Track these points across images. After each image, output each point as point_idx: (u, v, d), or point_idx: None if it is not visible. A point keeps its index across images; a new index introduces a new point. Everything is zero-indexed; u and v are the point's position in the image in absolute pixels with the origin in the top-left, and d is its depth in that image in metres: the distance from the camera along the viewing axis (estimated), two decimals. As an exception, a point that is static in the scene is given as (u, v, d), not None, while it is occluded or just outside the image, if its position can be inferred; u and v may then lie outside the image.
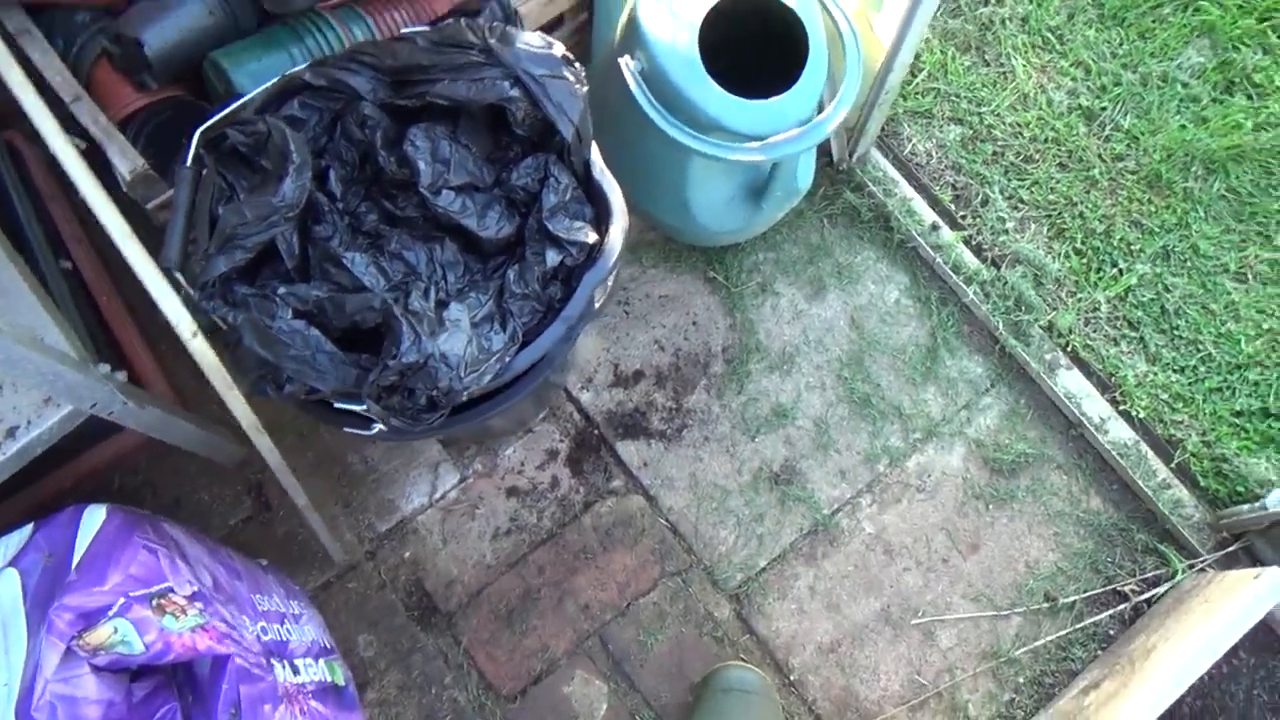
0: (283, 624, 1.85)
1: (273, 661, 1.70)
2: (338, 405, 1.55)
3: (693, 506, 2.18)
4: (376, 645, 2.12)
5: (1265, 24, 2.44)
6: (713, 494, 2.19)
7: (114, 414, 1.67)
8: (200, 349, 1.15)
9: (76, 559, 1.48)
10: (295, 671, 1.78)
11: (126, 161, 1.78)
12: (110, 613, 1.40)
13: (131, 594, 1.43)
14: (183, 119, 1.99)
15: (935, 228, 2.31)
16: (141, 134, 1.96)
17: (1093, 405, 2.19)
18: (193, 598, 1.52)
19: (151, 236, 1.96)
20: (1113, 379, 2.21)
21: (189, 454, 2.06)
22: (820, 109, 1.96)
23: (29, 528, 1.60)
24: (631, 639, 2.10)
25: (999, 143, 2.37)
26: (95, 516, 1.56)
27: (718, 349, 2.30)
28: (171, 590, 1.48)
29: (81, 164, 1.27)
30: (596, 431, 2.24)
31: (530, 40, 1.59)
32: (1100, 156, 2.36)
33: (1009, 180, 2.35)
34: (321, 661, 1.92)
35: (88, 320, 2.03)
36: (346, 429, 1.64)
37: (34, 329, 1.63)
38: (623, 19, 1.96)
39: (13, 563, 1.55)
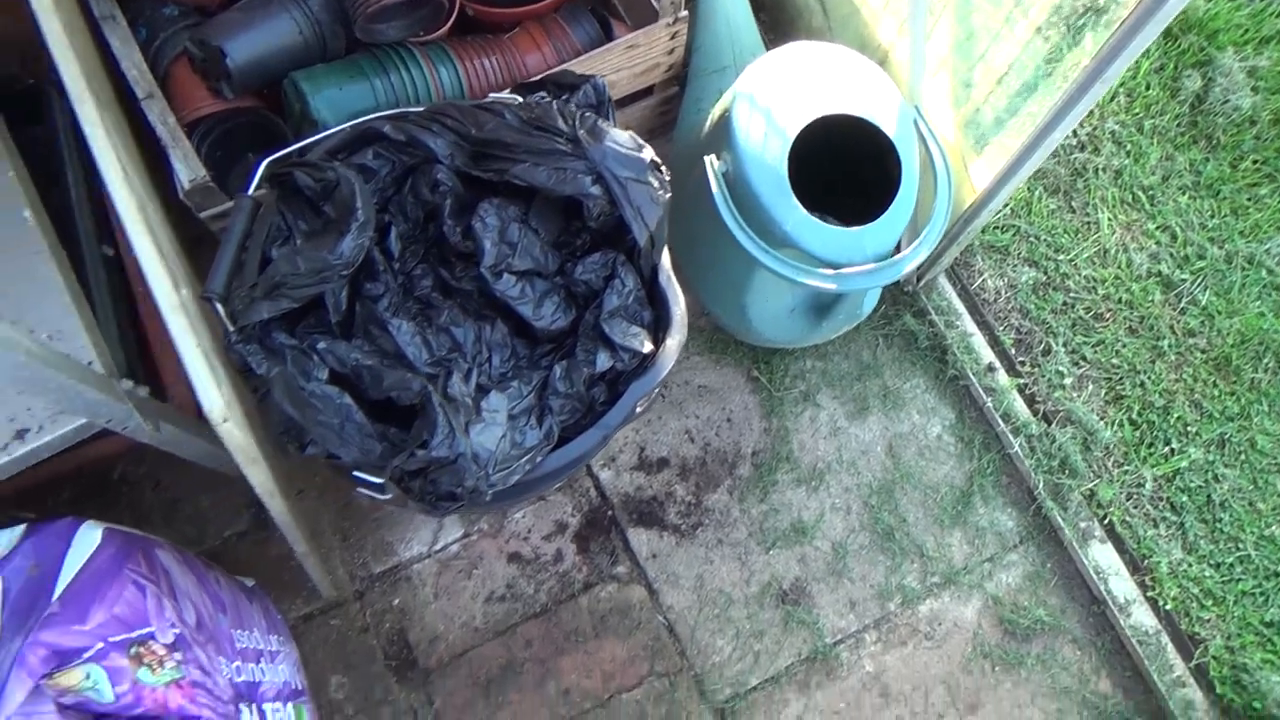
0: (258, 663, 1.80)
1: (241, 707, 1.65)
2: (356, 475, 1.49)
3: (694, 609, 2.12)
4: (348, 689, 2.06)
5: (1365, 222, 2.37)
6: (716, 600, 2.13)
7: (128, 429, 1.62)
8: (228, 433, 1.10)
9: (62, 584, 1.43)
10: (262, 718, 1.73)
11: (188, 170, 1.73)
12: (86, 655, 1.35)
13: (111, 639, 1.37)
14: (252, 131, 1.96)
15: (991, 369, 2.24)
16: (208, 139, 1.93)
17: (1120, 585, 2.11)
18: (173, 646, 1.46)
19: (199, 248, 1.93)
20: (1145, 561, 2.13)
21: (197, 456, 2.02)
22: (901, 241, 1.90)
23: (20, 530, 1.54)
24: (606, 735, 2.04)
25: (1071, 294, 2.30)
26: (90, 538, 1.50)
27: (748, 451, 2.23)
28: (153, 637, 1.43)
29: (132, 204, 1.21)
30: (610, 512, 2.18)
31: (619, 139, 1.53)
32: (1172, 328, 2.29)
33: (1074, 335, 2.27)
34: (289, 706, 1.86)
35: (119, 313, 1.99)
36: (360, 490, 1.59)
37: (62, 332, 1.59)
38: (715, 113, 1.91)
39: (-3, 565, 1.50)
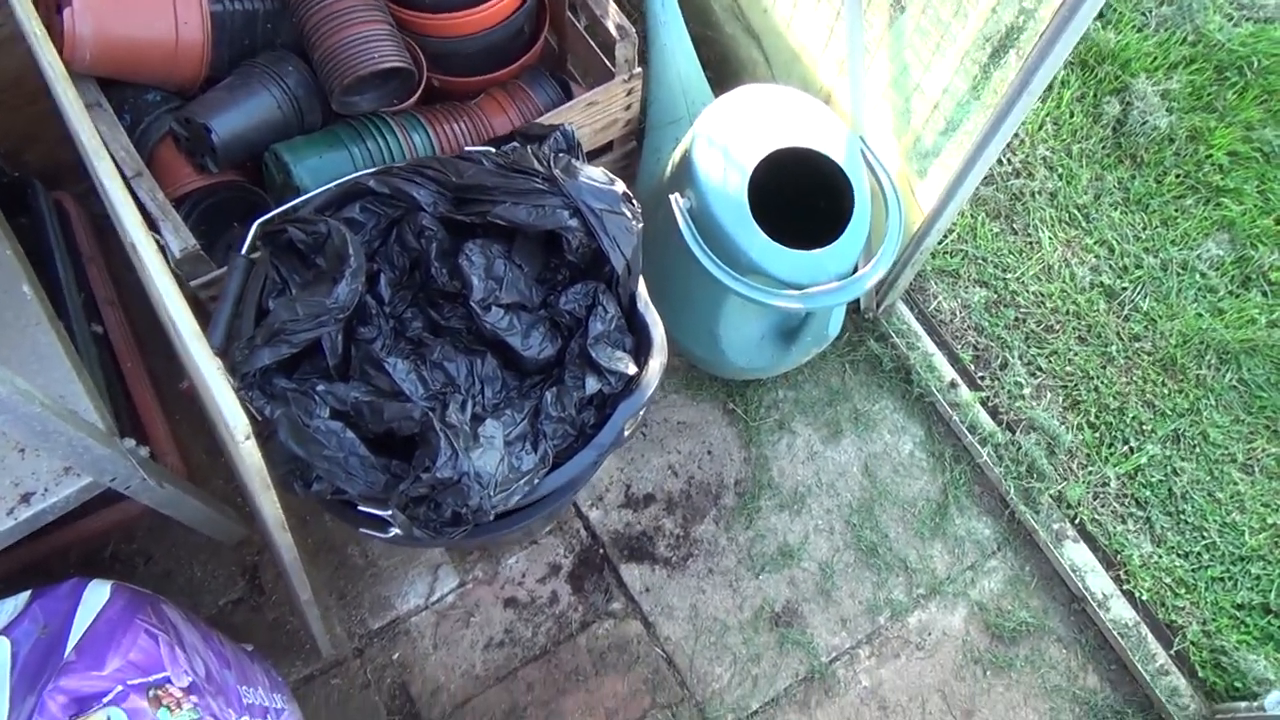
0: (265, 719, 1.81)
1: (252, 760, 1.66)
2: (361, 508, 1.54)
3: (690, 638, 2.16)
4: (352, 748, 2.07)
5: (1283, 225, 2.55)
6: (712, 627, 2.17)
7: (130, 489, 1.66)
8: (249, 452, 1.16)
9: (75, 637, 1.45)
10: (272, 772, 1.74)
11: (179, 240, 1.81)
12: (106, 699, 1.37)
13: (129, 682, 1.40)
14: (234, 203, 2.05)
15: (954, 385, 2.35)
16: (193, 212, 2.01)
17: (1097, 581, 2.20)
18: (188, 690, 1.48)
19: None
20: (1118, 556, 2.22)
21: (187, 528, 2.04)
22: (858, 263, 2.01)
23: (25, 596, 1.56)
24: (614, 771, 2.06)
25: (1021, 309, 2.43)
26: (98, 594, 1.53)
27: (730, 481, 2.30)
28: (169, 681, 1.45)
29: (156, 252, 1.29)
30: (601, 550, 2.23)
31: (593, 175, 1.64)
32: (1118, 335, 2.42)
33: (1028, 347, 2.40)
34: (297, 763, 1.87)
35: (111, 386, 2.03)
36: (363, 530, 1.63)
37: (65, 397, 1.63)
38: (675, 156, 2.03)
39: (5, 630, 1.51)
